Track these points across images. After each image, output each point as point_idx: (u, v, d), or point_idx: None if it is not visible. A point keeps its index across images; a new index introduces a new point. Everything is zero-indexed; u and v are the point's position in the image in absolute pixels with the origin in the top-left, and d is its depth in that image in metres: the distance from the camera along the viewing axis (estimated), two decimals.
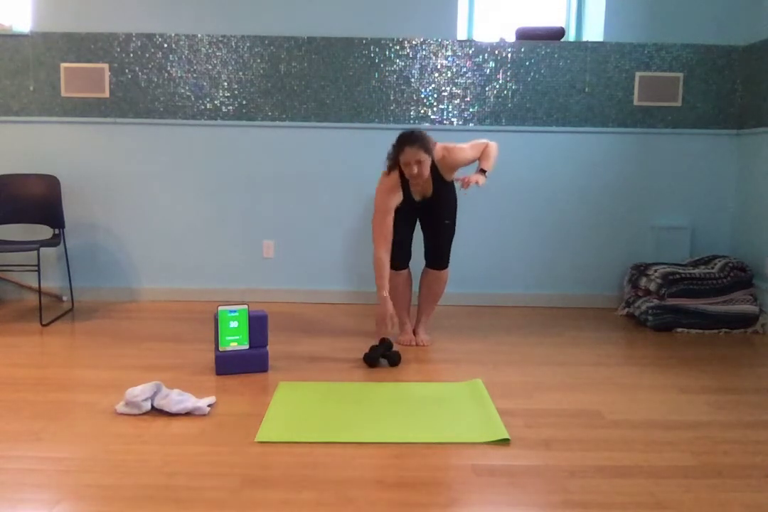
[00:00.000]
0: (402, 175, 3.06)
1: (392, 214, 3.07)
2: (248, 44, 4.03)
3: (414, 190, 3.12)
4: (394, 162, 3.04)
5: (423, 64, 4.04)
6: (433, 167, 3.04)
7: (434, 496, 1.81)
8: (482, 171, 3.10)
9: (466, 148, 3.14)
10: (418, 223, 3.28)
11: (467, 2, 4.24)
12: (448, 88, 4.05)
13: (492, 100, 4.08)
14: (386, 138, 3.24)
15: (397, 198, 3.09)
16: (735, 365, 3.05)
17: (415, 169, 2.94)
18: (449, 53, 4.04)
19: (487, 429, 2.23)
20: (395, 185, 3.08)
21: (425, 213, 3.21)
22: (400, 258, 3.23)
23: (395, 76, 4.04)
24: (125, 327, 3.56)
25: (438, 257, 3.27)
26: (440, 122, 4.07)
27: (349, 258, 4.20)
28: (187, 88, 4.06)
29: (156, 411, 2.35)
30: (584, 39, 4.24)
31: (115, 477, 1.89)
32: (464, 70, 4.05)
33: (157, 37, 4.02)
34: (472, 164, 3.18)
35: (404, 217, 3.18)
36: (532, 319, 3.87)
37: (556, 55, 4.05)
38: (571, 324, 3.77)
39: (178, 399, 2.36)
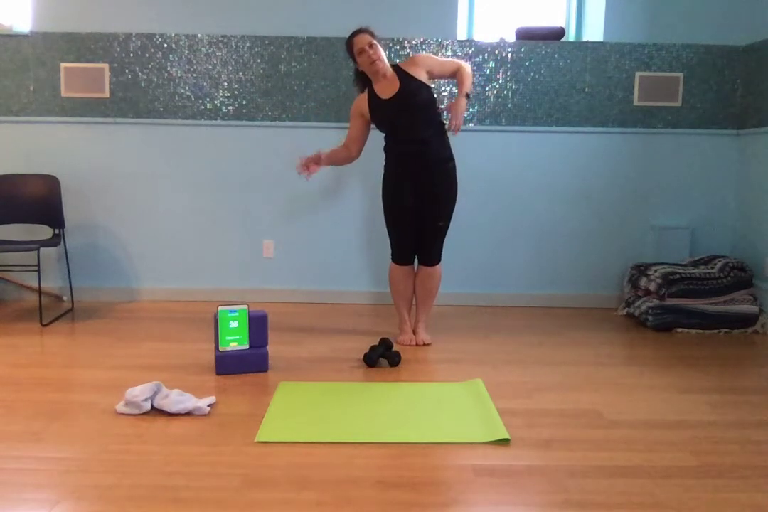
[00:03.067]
0: (369, 92, 3.16)
1: (362, 123, 3.23)
2: (248, 44, 4.03)
3: (379, 88, 3.14)
4: (356, 72, 3.21)
5: None
6: (397, 67, 3.14)
7: (434, 496, 1.81)
8: (465, 96, 3.12)
9: (432, 56, 3.32)
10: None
11: (467, 2, 4.24)
12: (448, 88, 4.05)
13: (492, 100, 4.08)
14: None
15: (366, 107, 3.17)
16: (735, 365, 3.05)
17: (371, 52, 3.04)
18: (449, 53, 4.04)
19: (487, 429, 2.23)
20: (364, 98, 3.19)
21: (424, 210, 3.20)
22: (404, 255, 3.28)
23: None
24: (125, 327, 3.56)
25: (430, 254, 3.28)
26: None
27: (350, 258, 4.20)
28: (187, 88, 4.06)
29: (156, 411, 2.35)
30: (584, 39, 4.24)
31: (115, 477, 1.89)
32: None
33: (157, 37, 4.02)
34: (442, 77, 3.30)
35: (404, 216, 3.20)
36: (532, 319, 3.88)
37: (556, 55, 4.05)
38: (571, 324, 3.77)
39: (178, 399, 2.36)
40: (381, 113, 3.14)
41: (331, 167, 4.11)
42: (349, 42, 3.11)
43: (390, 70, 3.13)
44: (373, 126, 3.25)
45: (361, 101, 3.20)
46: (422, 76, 3.12)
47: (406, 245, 3.26)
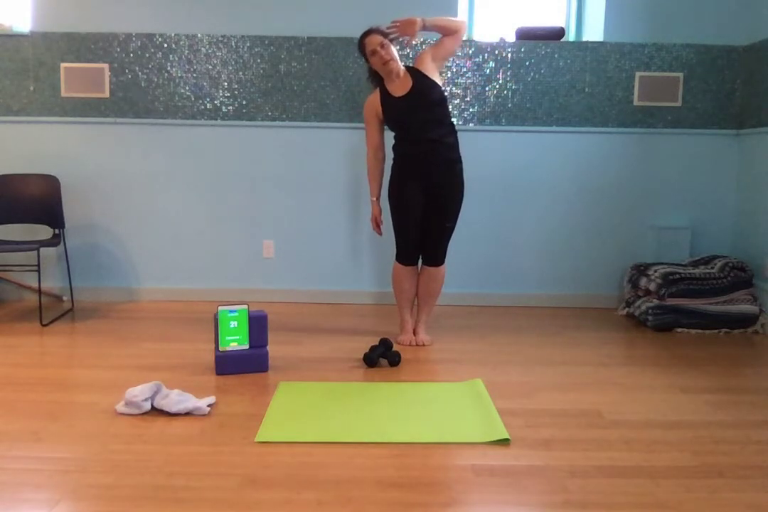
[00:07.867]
0: (381, 90, 3.17)
1: (378, 123, 3.22)
2: (248, 44, 4.03)
3: (392, 87, 3.14)
4: (370, 70, 3.19)
5: None
6: (408, 67, 3.16)
7: (434, 496, 1.81)
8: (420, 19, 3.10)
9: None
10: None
11: (467, 2, 4.24)
12: (448, 88, 4.05)
13: (492, 100, 4.08)
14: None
15: (380, 105, 3.16)
16: (735, 365, 3.05)
17: (382, 52, 3.05)
18: None
19: (487, 429, 2.23)
20: (376, 96, 3.19)
21: (431, 211, 3.20)
22: (409, 255, 3.26)
23: None
24: (125, 327, 3.56)
25: (435, 255, 3.27)
26: None
27: (349, 258, 4.20)
28: (187, 88, 4.06)
29: (156, 411, 2.35)
30: (584, 39, 4.24)
31: (115, 477, 1.89)
32: (464, 70, 4.05)
33: (157, 37, 4.02)
34: (447, 51, 3.19)
35: (411, 216, 3.20)
36: (532, 319, 3.87)
37: (556, 55, 4.05)
38: (571, 324, 3.77)
39: (178, 399, 2.36)
40: (393, 111, 3.14)
41: (335, 168, 4.13)
42: (361, 42, 3.12)
43: (402, 69, 3.14)
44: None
45: (374, 100, 3.19)
46: (432, 70, 3.13)
47: (412, 245, 3.25)
